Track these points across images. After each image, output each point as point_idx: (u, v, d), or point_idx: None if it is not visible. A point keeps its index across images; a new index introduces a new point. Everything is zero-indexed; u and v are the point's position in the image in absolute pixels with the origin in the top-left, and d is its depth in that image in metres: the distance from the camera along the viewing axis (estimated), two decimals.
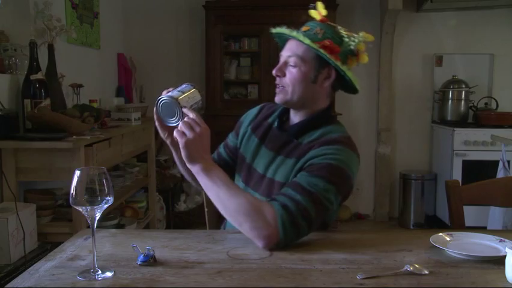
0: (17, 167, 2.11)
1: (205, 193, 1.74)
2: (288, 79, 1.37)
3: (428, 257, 1.13)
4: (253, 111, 1.58)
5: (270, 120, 1.50)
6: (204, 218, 1.75)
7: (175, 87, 1.27)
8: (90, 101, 2.78)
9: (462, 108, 4.19)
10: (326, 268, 1.05)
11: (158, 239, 1.26)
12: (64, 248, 1.19)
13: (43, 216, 2.20)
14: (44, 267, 1.06)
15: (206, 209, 1.73)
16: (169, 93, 1.23)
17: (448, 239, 1.22)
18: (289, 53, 1.37)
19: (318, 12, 1.40)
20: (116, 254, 1.14)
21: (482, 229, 1.38)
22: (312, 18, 1.40)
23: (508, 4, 4.12)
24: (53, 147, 2.06)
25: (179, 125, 1.20)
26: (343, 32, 1.37)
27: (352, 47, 1.34)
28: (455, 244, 1.19)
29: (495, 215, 2.80)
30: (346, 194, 1.31)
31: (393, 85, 4.38)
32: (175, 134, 1.21)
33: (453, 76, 4.21)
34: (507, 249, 0.99)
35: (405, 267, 1.04)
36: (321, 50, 1.31)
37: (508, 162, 2.93)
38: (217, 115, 3.95)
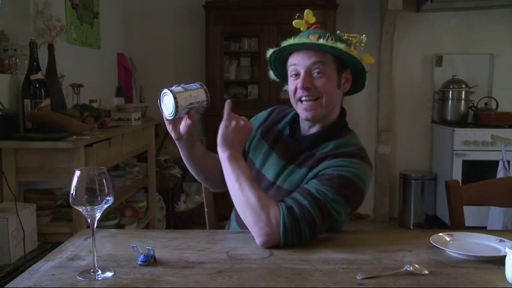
0: (17, 167, 2.11)
1: (205, 193, 1.75)
2: (321, 89, 1.29)
3: (428, 257, 1.13)
4: (263, 114, 1.55)
5: (280, 126, 1.46)
6: (204, 218, 1.76)
7: (186, 83, 1.28)
8: (90, 101, 2.78)
9: (462, 108, 4.18)
10: (326, 268, 1.05)
11: (158, 239, 1.26)
12: (63, 248, 1.19)
13: (43, 216, 2.20)
14: (44, 267, 1.06)
15: (206, 209, 1.73)
16: (173, 87, 1.24)
17: (448, 239, 1.22)
18: (311, 60, 1.29)
19: (306, 21, 1.35)
20: (116, 254, 1.14)
21: (482, 229, 1.38)
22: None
23: (508, 4, 4.12)
24: (53, 147, 2.06)
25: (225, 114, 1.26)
26: (343, 34, 1.35)
27: (358, 48, 1.33)
28: (455, 244, 1.19)
29: (495, 215, 2.80)
30: (356, 206, 1.29)
31: (393, 85, 4.38)
32: (226, 113, 1.27)
33: (453, 76, 4.21)
34: (507, 249, 0.99)
35: (405, 267, 1.04)
36: (354, 54, 1.28)
37: (508, 162, 2.92)
38: (217, 115, 3.90)
